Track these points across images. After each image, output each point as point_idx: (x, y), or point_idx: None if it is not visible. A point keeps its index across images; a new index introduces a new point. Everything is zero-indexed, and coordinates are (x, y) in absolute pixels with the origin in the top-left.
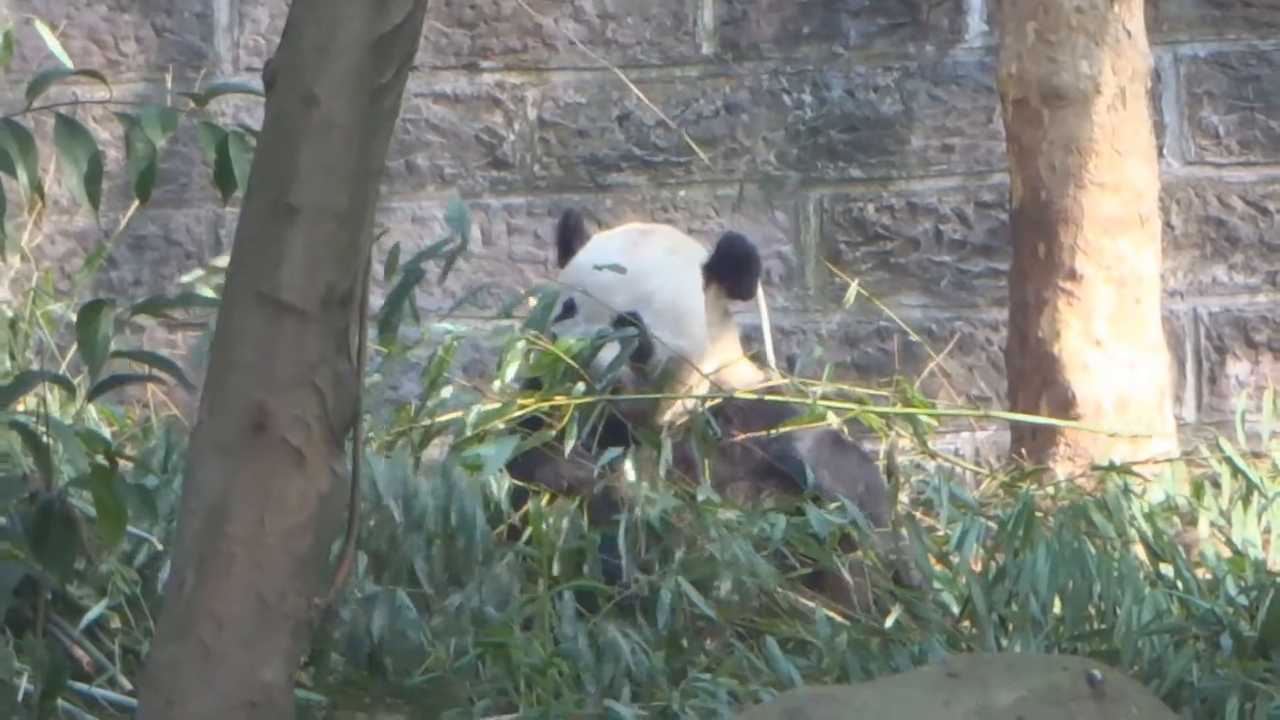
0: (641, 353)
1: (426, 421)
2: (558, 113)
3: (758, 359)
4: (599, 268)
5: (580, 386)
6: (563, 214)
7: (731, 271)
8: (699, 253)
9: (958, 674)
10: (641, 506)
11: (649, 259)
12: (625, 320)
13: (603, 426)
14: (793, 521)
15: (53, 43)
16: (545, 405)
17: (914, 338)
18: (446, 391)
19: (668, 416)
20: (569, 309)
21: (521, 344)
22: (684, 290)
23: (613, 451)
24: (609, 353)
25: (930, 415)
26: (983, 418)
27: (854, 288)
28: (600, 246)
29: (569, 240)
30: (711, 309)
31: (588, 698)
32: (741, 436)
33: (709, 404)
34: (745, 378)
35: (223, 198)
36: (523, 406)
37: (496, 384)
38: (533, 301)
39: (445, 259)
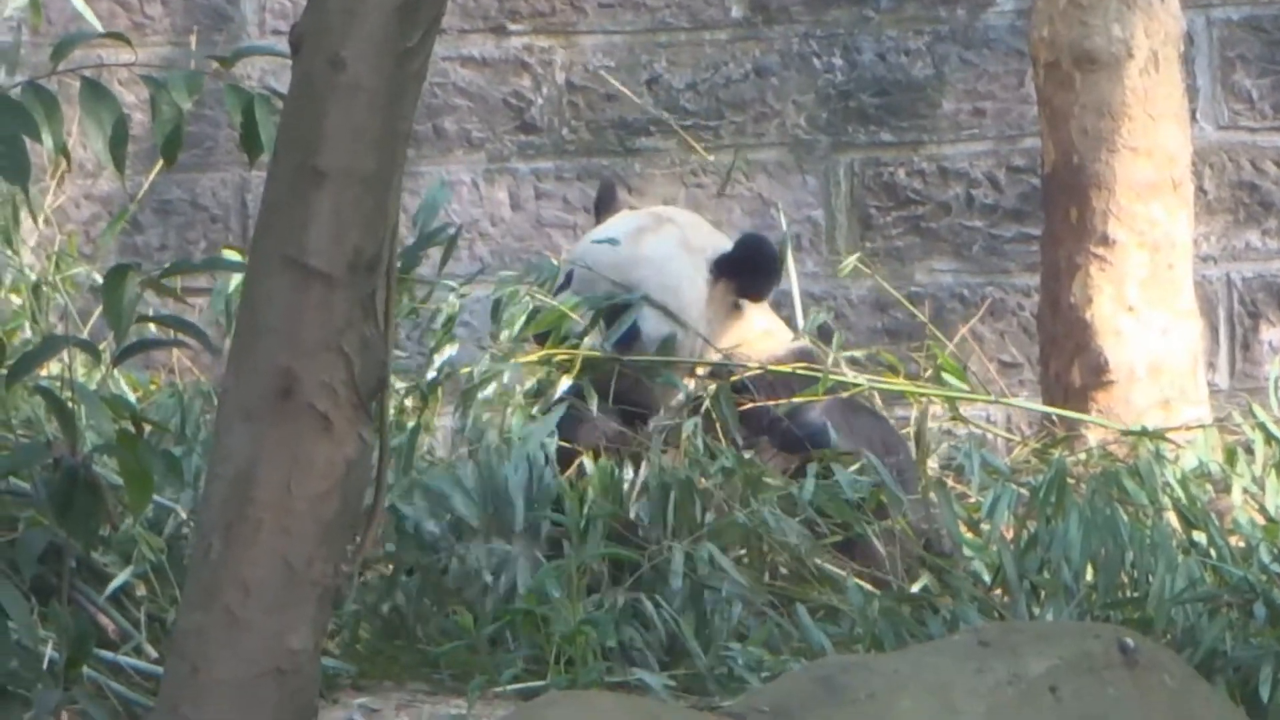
0: (627, 335)
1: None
2: (586, 76)
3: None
4: (597, 241)
5: (590, 340)
6: (601, 183)
7: (746, 272)
8: (714, 247)
9: (989, 642)
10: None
11: (651, 246)
12: (614, 306)
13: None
14: (821, 484)
15: (80, 4)
16: (561, 356)
17: (919, 316)
18: (451, 350)
19: (672, 400)
20: (569, 281)
21: (526, 300)
22: (679, 283)
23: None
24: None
25: (957, 373)
26: (995, 403)
27: (852, 260)
28: (615, 224)
29: (603, 209)
30: (717, 304)
31: (616, 666)
32: (754, 405)
33: (729, 379)
34: (767, 349)
35: (249, 161)
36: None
37: (504, 335)
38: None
39: (445, 245)
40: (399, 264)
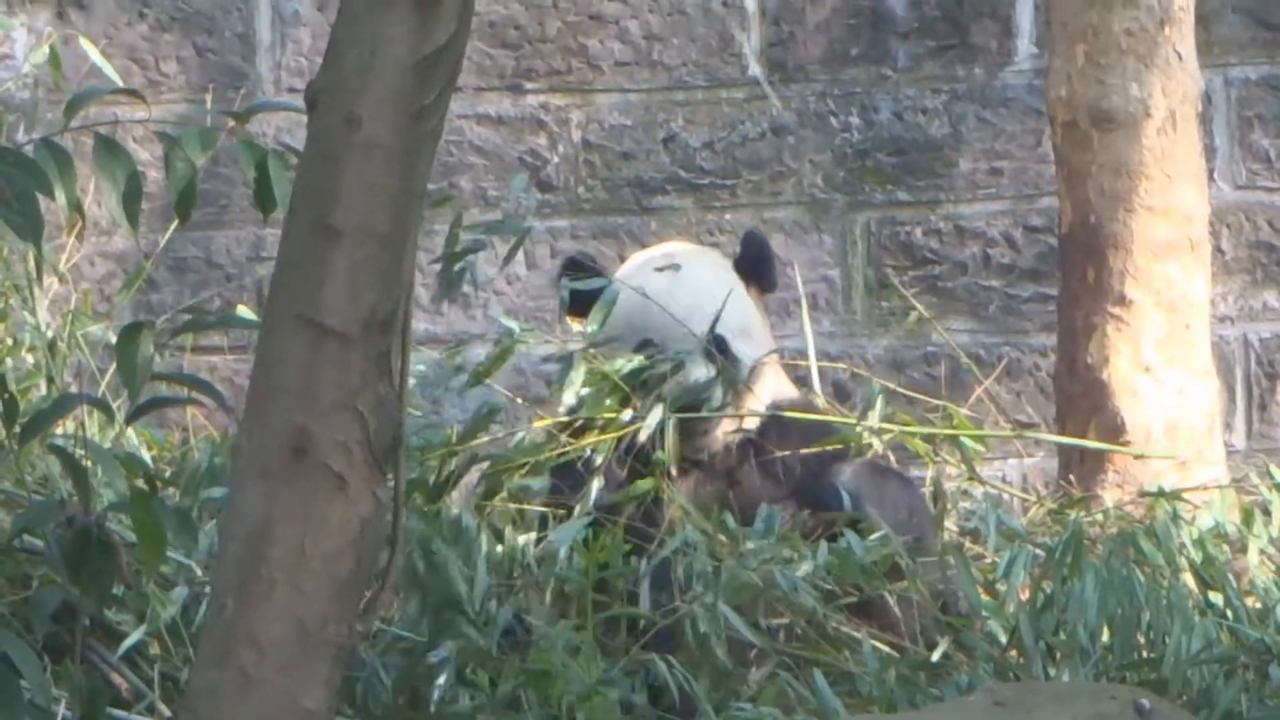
0: (734, 374)
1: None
2: (602, 135)
3: (801, 384)
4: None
5: (627, 414)
6: (565, 260)
7: (758, 266)
8: (723, 259)
9: (1004, 703)
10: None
11: (702, 280)
12: (717, 344)
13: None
14: (834, 548)
15: (99, 59)
16: (605, 436)
17: (964, 360)
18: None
19: (719, 435)
20: (645, 346)
21: (583, 366)
22: (741, 299)
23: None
24: (696, 371)
25: (974, 437)
26: (1023, 437)
27: (918, 311)
28: (643, 280)
29: (578, 289)
30: (757, 307)
31: None
32: (787, 454)
33: (756, 422)
34: (786, 394)
35: (263, 216)
36: (569, 434)
37: (567, 396)
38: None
39: (513, 239)
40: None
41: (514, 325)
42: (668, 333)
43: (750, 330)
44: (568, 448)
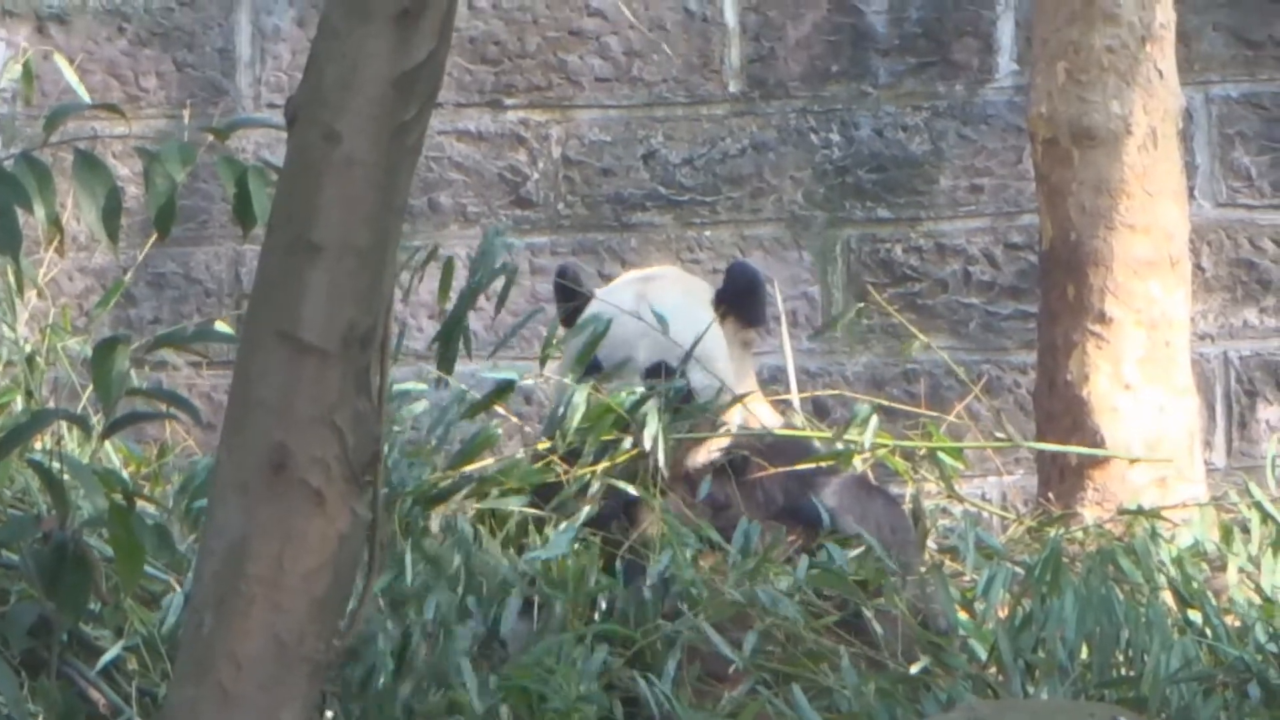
0: (684, 399)
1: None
2: (582, 151)
3: (780, 402)
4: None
5: (627, 441)
6: (559, 269)
7: (743, 300)
8: (707, 289)
9: None
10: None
11: (664, 306)
12: (655, 372)
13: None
14: (815, 562)
15: (71, 76)
16: (605, 464)
17: (954, 368)
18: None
19: (699, 459)
20: (594, 368)
21: (583, 395)
22: (700, 329)
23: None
24: (651, 407)
25: (952, 451)
26: (1004, 446)
27: (920, 340)
28: (608, 305)
29: (569, 294)
30: (731, 342)
31: None
32: (768, 472)
33: (735, 443)
34: (765, 418)
35: (243, 232)
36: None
37: (571, 425)
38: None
39: (504, 281)
40: (456, 303)
41: (512, 376)
42: (613, 357)
43: (712, 361)
44: (562, 476)
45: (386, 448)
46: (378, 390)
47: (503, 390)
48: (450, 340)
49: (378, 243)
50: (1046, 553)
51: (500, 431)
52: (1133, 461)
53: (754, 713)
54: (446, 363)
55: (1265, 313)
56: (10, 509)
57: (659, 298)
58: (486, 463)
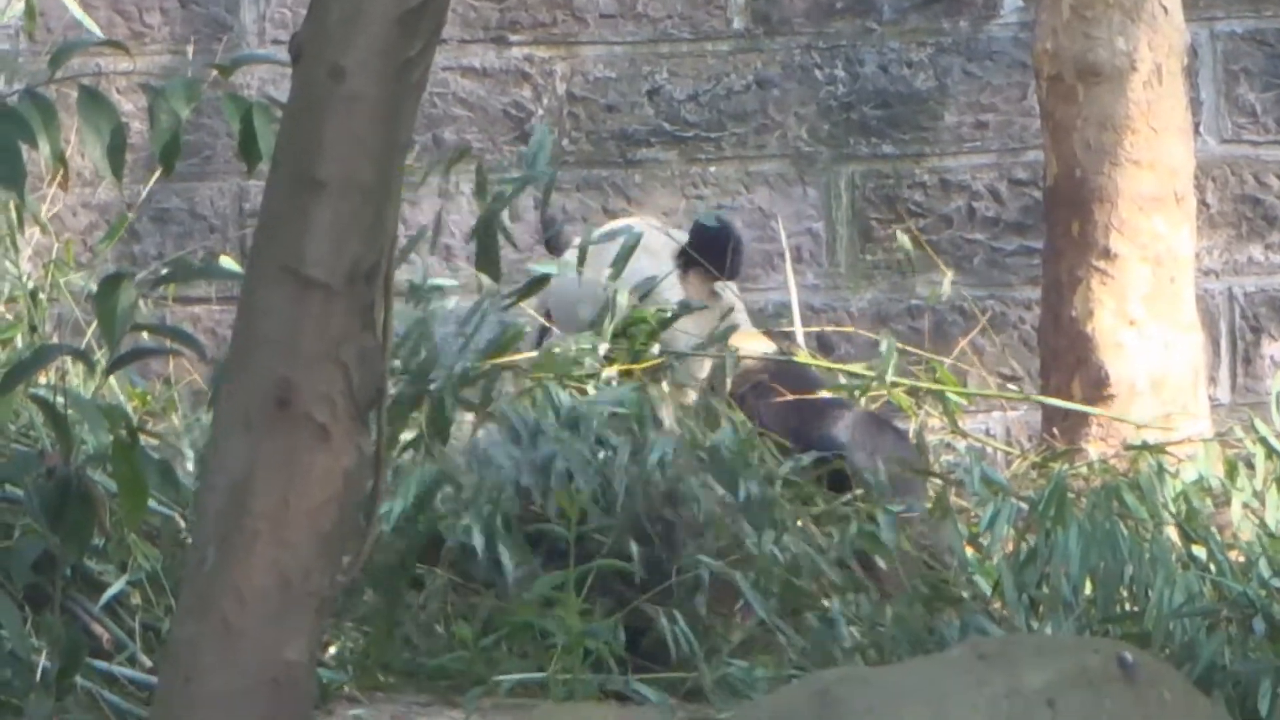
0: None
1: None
2: (587, 87)
3: (775, 336)
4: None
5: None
6: (544, 220)
7: (708, 254)
8: (669, 245)
9: (987, 656)
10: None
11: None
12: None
13: None
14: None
15: (78, 11)
16: (638, 366)
17: (965, 303)
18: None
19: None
20: (549, 314)
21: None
22: (653, 288)
23: None
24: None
25: (960, 394)
26: (1013, 399)
27: (948, 281)
28: (572, 254)
29: (556, 244)
30: (694, 294)
31: (616, 677)
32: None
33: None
34: (756, 351)
35: (247, 169)
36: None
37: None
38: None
39: (544, 189)
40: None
41: (550, 269)
42: (565, 311)
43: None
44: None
45: (423, 338)
46: (382, 326)
47: (538, 281)
48: (489, 237)
49: (382, 179)
50: (1051, 488)
51: (528, 329)
52: (1115, 420)
53: (763, 648)
54: (488, 263)
55: (1270, 249)
56: (14, 444)
57: (609, 256)
58: (517, 357)
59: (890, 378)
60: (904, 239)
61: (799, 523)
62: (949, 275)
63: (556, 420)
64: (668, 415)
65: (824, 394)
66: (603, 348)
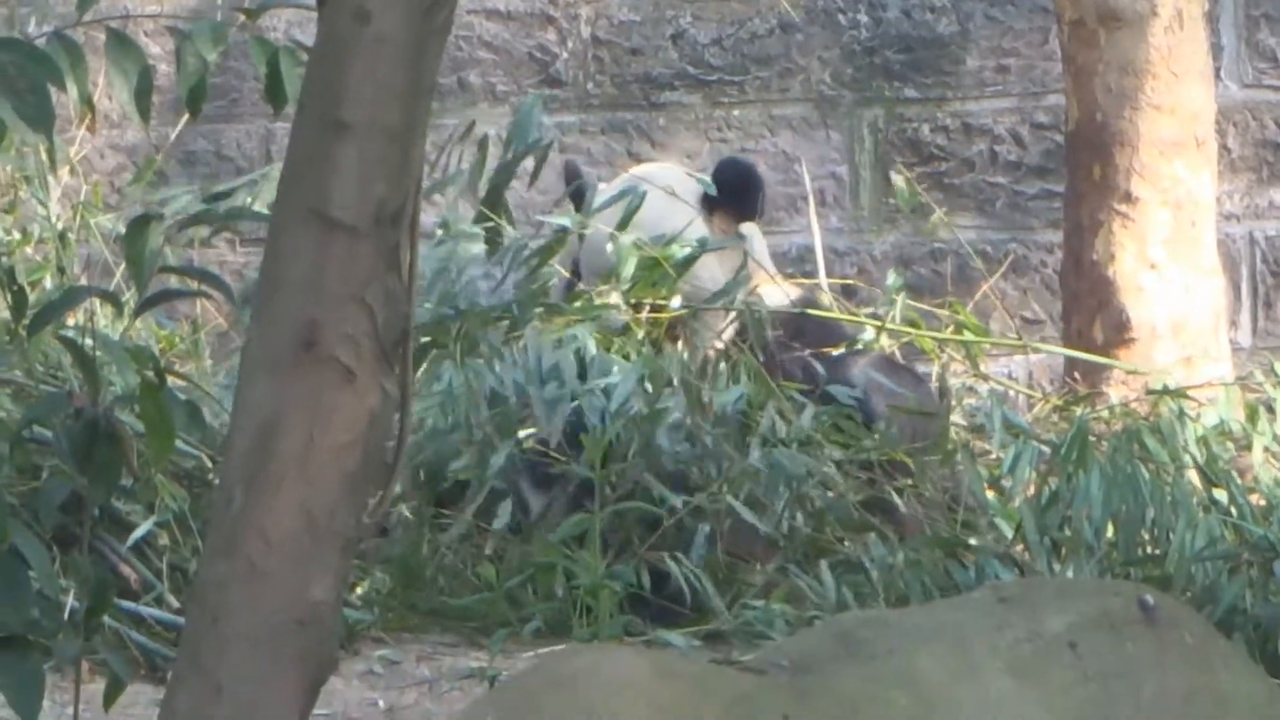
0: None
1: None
2: (611, 30)
3: (803, 281)
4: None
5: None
6: (564, 165)
7: (732, 196)
8: (694, 188)
9: (1009, 599)
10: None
11: (644, 211)
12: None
13: None
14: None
15: None
16: (662, 316)
17: (971, 257)
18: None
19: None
20: (576, 269)
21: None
22: (679, 231)
23: None
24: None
25: (979, 331)
26: (1027, 348)
27: (938, 215)
28: (598, 203)
29: (575, 188)
30: (719, 238)
31: (638, 620)
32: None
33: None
34: (776, 298)
35: (274, 111)
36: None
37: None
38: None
39: (538, 156)
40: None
41: (565, 222)
42: (590, 260)
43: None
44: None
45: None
46: (408, 268)
47: (563, 235)
48: (494, 209)
49: (407, 121)
50: (1073, 431)
51: (554, 280)
52: (1130, 373)
53: (784, 592)
54: (497, 201)
55: None
56: (42, 385)
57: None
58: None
59: (895, 326)
60: (898, 180)
61: (819, 470)
62: (939, 211)
63: (580, 367)
64: (676, 376)
65: (843, 339)
66: (614, 296)
